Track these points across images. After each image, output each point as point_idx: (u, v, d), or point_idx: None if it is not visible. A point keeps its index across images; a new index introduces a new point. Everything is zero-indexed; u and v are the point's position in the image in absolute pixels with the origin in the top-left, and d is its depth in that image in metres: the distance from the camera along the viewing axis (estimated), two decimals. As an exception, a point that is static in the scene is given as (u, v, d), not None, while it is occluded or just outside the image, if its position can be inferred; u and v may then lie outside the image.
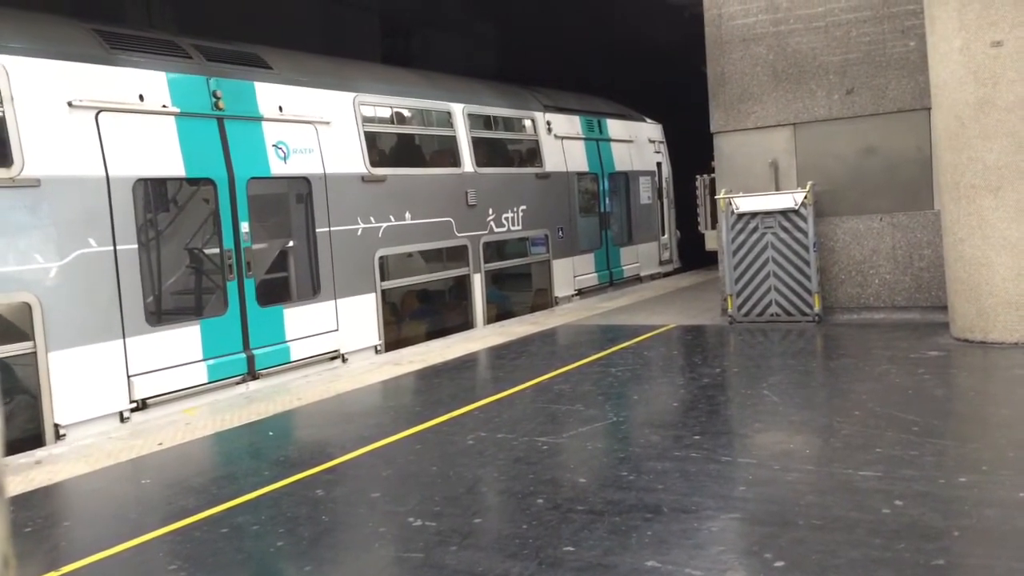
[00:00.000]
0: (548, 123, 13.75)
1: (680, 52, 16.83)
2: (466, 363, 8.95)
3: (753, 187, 10.28)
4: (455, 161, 11.77)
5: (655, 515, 4.24)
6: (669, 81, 20.20)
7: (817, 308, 9.70)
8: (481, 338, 10.39)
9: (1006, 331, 7.77)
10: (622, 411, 6.51)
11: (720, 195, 10.26)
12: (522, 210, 12.90)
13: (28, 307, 6.79)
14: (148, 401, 7.63)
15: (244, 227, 8.58)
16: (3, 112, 6.78)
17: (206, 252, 8.75)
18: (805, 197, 9.67)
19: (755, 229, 9.92)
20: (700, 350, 8.90)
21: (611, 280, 15.34)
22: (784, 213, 9.78)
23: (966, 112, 7.81)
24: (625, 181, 16.14)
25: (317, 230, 9.48)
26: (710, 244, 11.96)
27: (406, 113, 11.38)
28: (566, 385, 7.40)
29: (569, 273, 14.17)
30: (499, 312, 12.78)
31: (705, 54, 10.69)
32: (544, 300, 13.66)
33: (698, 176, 12.66)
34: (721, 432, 5.79)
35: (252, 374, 8.63)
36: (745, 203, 9.97)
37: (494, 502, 4.83)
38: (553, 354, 9.31)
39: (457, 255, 11.80)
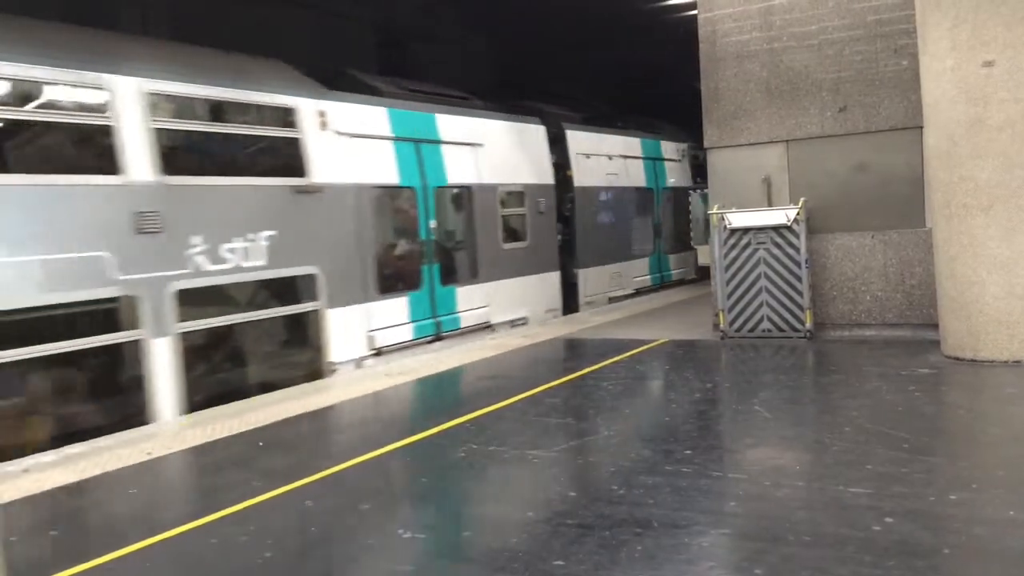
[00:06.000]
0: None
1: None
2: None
3: (746, 203, 10.31)
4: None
5: (645, 530, 4.23)
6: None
7: (809, 324, 9.72)
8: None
9: (996, 349, 7.80)
10: (613, 425, 6.50)
11: (713, 210, 10.29)
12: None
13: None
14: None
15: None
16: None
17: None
18: (798, 213, 9.71)
19: (747, 245, 9.95)
20: (692, 365, 8.90)
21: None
22: (776, 229, 9.82)
23: (958, 131, 7.85)
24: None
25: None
26: (703, 259, 12.07)
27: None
28: (557, 398, 7.39)
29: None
30: None
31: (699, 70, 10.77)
32: None
33: (691, 192, 13.05)
34: (712, 447, 5.79)
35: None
36: (737, 219, 10.00)
37: (484, 515, 4.80)
38: (546, 367, 9.30)
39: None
